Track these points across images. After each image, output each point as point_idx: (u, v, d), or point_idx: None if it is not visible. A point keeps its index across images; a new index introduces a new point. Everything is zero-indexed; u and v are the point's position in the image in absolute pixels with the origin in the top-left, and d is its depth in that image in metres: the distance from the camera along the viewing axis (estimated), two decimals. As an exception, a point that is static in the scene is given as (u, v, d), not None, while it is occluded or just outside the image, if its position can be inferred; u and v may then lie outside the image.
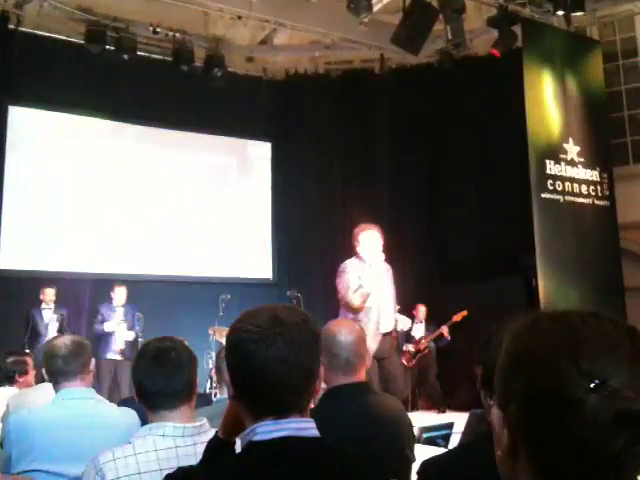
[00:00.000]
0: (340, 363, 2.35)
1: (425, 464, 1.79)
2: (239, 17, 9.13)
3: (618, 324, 0.83)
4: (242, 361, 1.38)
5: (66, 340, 2.72)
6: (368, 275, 5.59)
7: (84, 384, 2.67)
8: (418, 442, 3.30)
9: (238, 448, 1.61)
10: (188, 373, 2.07)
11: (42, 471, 2.32)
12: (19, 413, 2.69)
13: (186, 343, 2.20)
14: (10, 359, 4.02)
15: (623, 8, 9.51)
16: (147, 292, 9.15)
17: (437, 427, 5.26)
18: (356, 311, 5.48)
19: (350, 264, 5.72)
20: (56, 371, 2.65)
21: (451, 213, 10.22)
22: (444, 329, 9.22)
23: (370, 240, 5.73)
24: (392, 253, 10.04)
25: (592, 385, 0.76)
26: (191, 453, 1.96)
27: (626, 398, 0.75)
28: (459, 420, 4.86)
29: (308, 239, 10.52)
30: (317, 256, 10.32)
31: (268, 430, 1.35)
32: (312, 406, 1.48)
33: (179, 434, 1.98)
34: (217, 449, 1.57)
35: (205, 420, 2.08)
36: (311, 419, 1.41)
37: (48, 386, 3.12)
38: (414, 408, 8.78)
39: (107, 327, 8.22)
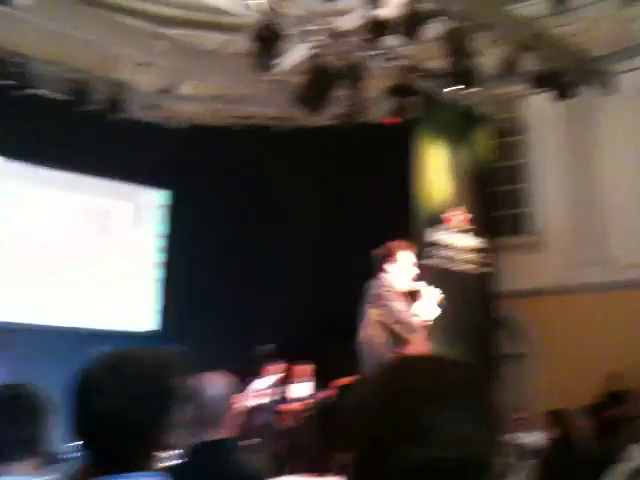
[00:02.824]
0: (201, 417, 2.33)
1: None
2: (143, 64, 9.12)
3: (463, 371, 0.87)
4: (77, 409, 1.35)
5: None
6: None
7: None
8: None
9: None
10: (33, 422, 1.96)
11: None
12: None
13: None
14: None
15: (513, 88, 10.12)
16: (12, 341, 8.59)
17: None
18: None
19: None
20: None
21: (336, 276, 10.29)
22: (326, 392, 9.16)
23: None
24: (280, 305, 10.12)
25: (410, 433, 0.79)
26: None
27: (440, 449, 0.78)
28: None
29: (197, 294, 10.33)
30: (203, 312, 10.12)
31: None
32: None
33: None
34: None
35: (55, 475, 1.99)
36: (156, 473, 1.38)
37: None
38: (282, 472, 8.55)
39: None
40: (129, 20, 9.11)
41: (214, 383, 2.47)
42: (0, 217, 9.49)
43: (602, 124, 9.89)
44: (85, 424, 1.34)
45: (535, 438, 7.00)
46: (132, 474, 1.34)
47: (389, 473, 0.79)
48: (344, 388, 9.09)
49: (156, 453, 1.41)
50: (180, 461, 2.17)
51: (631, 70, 9.15)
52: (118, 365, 1.36)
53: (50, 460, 2.06)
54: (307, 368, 9.31)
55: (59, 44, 8.91)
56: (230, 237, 10.59)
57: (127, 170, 10.20)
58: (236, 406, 2.53)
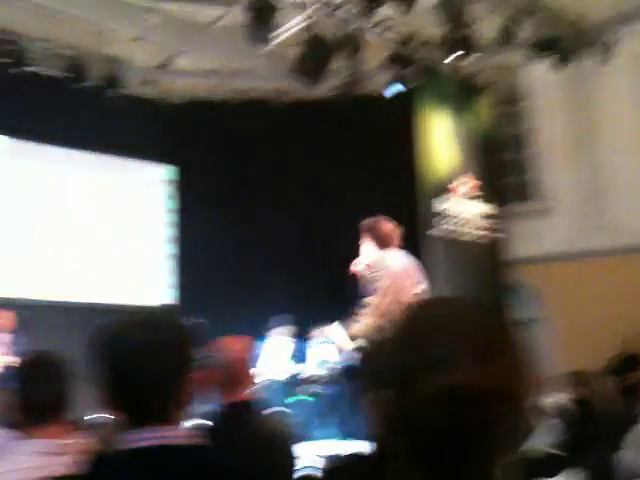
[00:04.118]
0: (222, 379, 2.33)
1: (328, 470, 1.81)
2: (136, 39, 9.02)
3: (478, 307, 0.88)
4: (105, 366, 1.36)
5: None
6: None
7: None
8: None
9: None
10: (59, 387, 2.01)
11: None
12: None
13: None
14: None
15: (510, 57, 10.07)
16: (35, 318, 8.62)
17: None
18: None
19: None
20: None
21: (337, 249, 10.31)
22: None
23: None
24: (291, 274, 10.17)
25: (431, 363, 0.80)
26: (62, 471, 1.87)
27: (461, 376, 0.79)
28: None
29: (207, 266, 10.37)
30: (217, 284, 10.20)
31: (131, 439, 1.33)
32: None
33: (49, 451, 1.90)
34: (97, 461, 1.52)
35: (79, 438, 2.00)
36: (180, 427, 1.38)
37: None
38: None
39: None
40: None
41: (230, 346, 2.46)
42: (7, 194, 9.43)
43: (603, 89, 9.87)
44: (111, 380, 1.34)
45: (556, 399, 7.01)
46: (162, 428, 1.34)
47: (415, 402, 0.81)
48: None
49: (183, 408, 1.41)
50: (208, 421, 2.17)
51: (630, 35, 9.10)
52: (139, 323, 1.37)
53: (76, 423, 2.09)
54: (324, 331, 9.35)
55: (53, 21, 8.80)
56: (237, 209, 10.60)
57: (128, 146, 10.18)
58: (255, 369, 2.53)
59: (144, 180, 10.81)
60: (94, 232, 10.01)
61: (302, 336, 9.36)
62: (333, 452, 5.90)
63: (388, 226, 5.18)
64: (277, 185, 10.74)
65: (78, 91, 9.32)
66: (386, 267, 4.85)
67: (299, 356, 9.31)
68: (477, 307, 0.88)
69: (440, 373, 0.79)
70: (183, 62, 10.35)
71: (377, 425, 0.90)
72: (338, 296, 9.85)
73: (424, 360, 0.80)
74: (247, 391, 2.43)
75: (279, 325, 9.29)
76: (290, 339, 9.37)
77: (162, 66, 10.24)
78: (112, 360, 1.34)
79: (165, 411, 1.36)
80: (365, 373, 1.91)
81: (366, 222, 5.26)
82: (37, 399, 1.94)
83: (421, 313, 0.88)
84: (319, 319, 9.18)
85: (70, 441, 1.95)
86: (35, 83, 9.19)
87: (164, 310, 1.48)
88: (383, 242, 5.05)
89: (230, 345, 2.44)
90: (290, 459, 2.44)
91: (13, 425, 2.00)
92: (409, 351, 0.82)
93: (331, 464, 1.83)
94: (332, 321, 9.25)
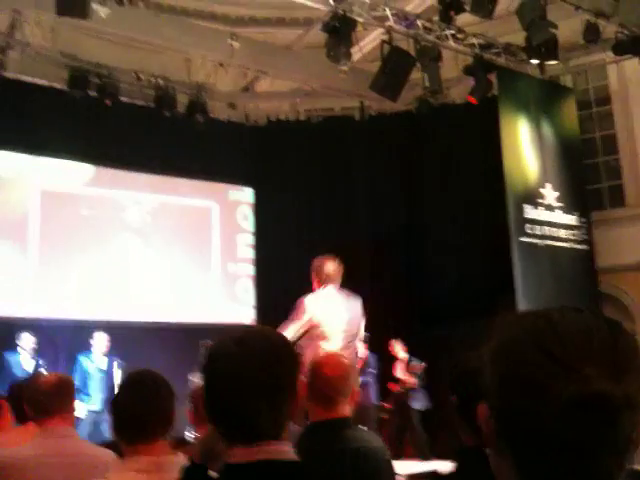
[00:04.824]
0: (320, 397, 2.33)
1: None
2: (221, 64, 9.27)
3: (599, 316, 0.85)
4: (208, 386, 1.39)
5: (52, 378, 2.71)
6: None
7: (65, 422, 2.64)
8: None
9: (213, 474, 1.60)
10: (165, 405, 2.06)
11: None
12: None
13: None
14: None
15: (595, 57, 9.77)
16: (127, 338, 9.00)
17: (420, 475, 5.22)
18: None
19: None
20: (38, 407, 2.63)
21: (430, 258, 10.28)
22: (406, 377, 9.11)
23: None
24: (372, 297, 10.20)
25: (561, 372, 0.78)
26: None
27: (594, 384, 0.77)
28: (444, 468, 4.79)
29: (288, 284, 10.49)
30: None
31: (242, 453, 1.34)
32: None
33: (154, 469, 1.95)
34: (192, 474, 1.56)
35: (181, 455, 2.05)
36: (288, 442, 1.40)
37: (22, 429, 3.07)
38: (399, 456, 8.57)
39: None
40: (203, 22, 9.30)
41: (330, 363, 2.48)
42: (99, 221, 9.85)
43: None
44: (216, 400, 1.37)
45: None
46: (266, 443, 1.36)
47: (542, 413, 0.78)
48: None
49: (288, 424, 1.43)
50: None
51: None
52: (245, 338, 1.38)
53: (178, 440, 2.14)
54: (400, 346, 9.35)
55: (141, 52, 9.17)
56: (317, 227, 10.71)
57: (212, 169, 10.42)
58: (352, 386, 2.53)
59: (228, 202, 11.04)
60: (179, 254, 10.29)
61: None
62: (416, 470, 5.83)
63: (329, 265, 5.19)
64: (359, 199, 10.77)
65: (165, 118, 9.68)
66: (310, 305, 4.86)
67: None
68: (596, 316, 0.85)
69: (571, 382, 0.77)
70: (265, 84, 10.58)
71: (484, 440, 0.87)
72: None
73: (552, 370, 0.79)
74: (344, 408, 2.43)
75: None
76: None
77: (245, 89, 10.48)
78: (221, 377, 1.36)
79: (274, 427, 1.38)
80: (467, 386, 1.88)
81: (314, 260, 5.30)
82: (146, 416, 1.99)
83: (539, 323, 0.85)
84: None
85: (174, 458, 2.01)
86: (123, 113, 9.60)
87: (266, 328, 1.50)
88: (322, 281, 5.09)
89: (328, 362, 2.45)
90: (392, 475, 2.43)
91: (119, 442, 2.07)
92: (533, 361, 0.80)
93: None
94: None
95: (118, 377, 8.12)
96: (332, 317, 4.72)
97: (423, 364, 9.09)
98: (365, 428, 7.41)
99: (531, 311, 0.89)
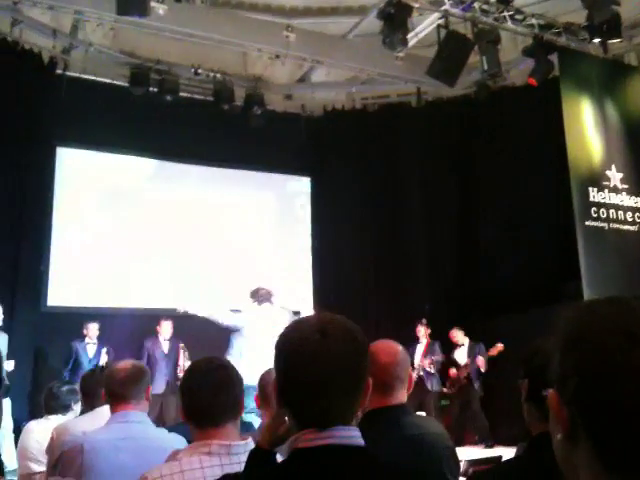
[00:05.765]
0: (378, 383, 2.33)
1: (477, 476, 1.78)
2: (277, 56, 9.32)
3: None
4: (288, 372, 1.40)
5: (128, 365, 2.80)
6: None
7: (139, 408, 2.73)
8: (465, 476, 3.21)
9: (279, 458, 1.63)
10: (235, 391, 2.09)
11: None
12: (74, 436, 2.78)
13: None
14: (64, 388, 4.10)
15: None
16: (191, 326, 9.19)
17: (485, 461, 5.16)
18: None
19: None
20: (114, 393, 2.74)
21: (486, 245, 10.14)
22: (480, 361, 9.05)
23: None
24: (429, 285, 10.18)
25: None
26: (237, 471, 1.97)
27: None
28: (507, 455, 4.77)
29: (346, 272, 10.55)
30: (356, 288, 10.36)
31: (313, 438, 1.36)
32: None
33: (224, 452, 1.99)
34: (259, 458, 1.58)
35: (251, 439, 2.08)
36: (356, 428, 1.42)
37: (93, 415, 3.19)
38: (459, 443, 8.49)
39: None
40: (258, 15, 9.36)
41: (386, 349, 2.47)
42: (161, 215, 10.08)
43: None
44: (295, 384, 1.38)
45: None
46: (336, 428, 1.37)
47: (628, 398, 0.77)
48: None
49: (356, 411, 1.44)
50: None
51: None
52: (322, 329, 1.39)
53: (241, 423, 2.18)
54: (459, 333, 9.29)
55: (199, 48, 9.30)
56: (375, 216, 10.73)
57: (270, 161, 10.52)
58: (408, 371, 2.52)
59: (286, 192, 11.15)
60: (238, 245, 10.45)
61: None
62: (475, 457, 5.77)
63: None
64: (416, 186, 10.71)
65: (223, 112, 9.80)
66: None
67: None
68: None
69: None
70: (321, 74, 10.59)
71: (550, 428, 0.86)
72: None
73: (637, 354, 0.77)
74: (402, 394, 2.42)
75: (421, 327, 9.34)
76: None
77: (301, 80, 10.51)
78: (303, 367, 1.36)
79: (347, 414, 1.40)
80: (540, 371, 1.85)
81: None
82: (217, 403, 2.03)
83: (618, 308, 0.84)
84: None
85: (244, 442, 2.04)
86: (182, 108, 9.75)
87: (344, 318, 1.49)
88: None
89: (382, 348, 2.45)
90: (455, 461, 2.42)
91: (189, 426, 2.12)
92: (616, 346, 0.78)
93: (475, 470, 1.80)
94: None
95: (180, 361, 8.45)
96: None
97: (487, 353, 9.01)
98: (424, 414, 7.47)
99: (604, 298, 0.88)
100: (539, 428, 1.84)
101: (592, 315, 0.85)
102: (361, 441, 1.39)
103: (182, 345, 8.56)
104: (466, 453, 6.53)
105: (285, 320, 6.35)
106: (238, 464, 1.98)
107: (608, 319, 0.82)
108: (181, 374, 8.17)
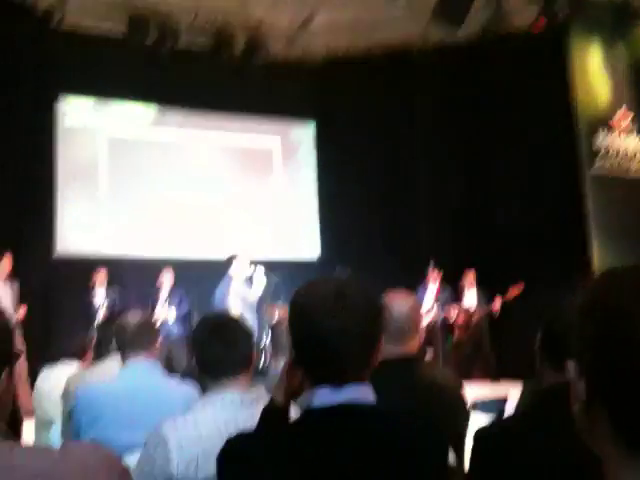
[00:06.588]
0: (391, 333, 2.35)
1: (480, 432, 1.80)
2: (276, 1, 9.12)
3: None
4: (305, 330, 1.42)
5: (137, 316, 2.86)
6: None
7: (150, 358, 2.79)
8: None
9: (293, 413, 1.65)
10: (247, 343, 2.14)
11: (110, 438, 2.41)
12: (88, 385, 2.84)
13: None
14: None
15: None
16: (193, 275, 9.23)
17: (490, 403, 5.25)
18: None
19: None
20: (125, 344, 2.79)
21: (495, 188, 10.05)
22: (497, 303, 9.03)
23: None
24: (435, 222, 10.15)
25: None
26: (250, 421, 1.99)
27: None
28: (513, 390, 4.84)
29: (352, 218, 10.55)
30: (362, 235, 10.38)
31: (327, 396, 1.38)
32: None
33: (238, 402, 2.03)
34: (273, 415, 1.60)
35: (263, 389, 2.12)
36: (369, 385, 1.43)
37: (106, 364, 3.23)
38: (468, 376, 8.50)
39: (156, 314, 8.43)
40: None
41: (400, 300, 2.49)
42: (165, 161, 10.10)
43: None
44: (312, 342, 1.40)
45: None
46: (350, 386, 1.39)
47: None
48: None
49: (370, 368, 1.46)
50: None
51: None
52: (339, 289, 1.41)
53: (255, 375, 2.21)
54: (472, 275, 9.31)
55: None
56: (380, 160, 10.69)
57: (273, 106, 10.45)
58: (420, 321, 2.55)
59: (290, 138, 11.12)
60: (244, 191, 10.50)
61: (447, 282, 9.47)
62: (485, 395, 5.85)
63: None
64: (422, 133, 10.61)
65: (224, 59, 9.67)
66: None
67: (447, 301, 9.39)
68: None
69: None
70: (323, 19, 10.36)
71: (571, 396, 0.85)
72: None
73: None
74: (414, 343, 2.45)
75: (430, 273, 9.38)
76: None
77: (302, 26, 10.30)
78: (319, 329, 1.38)
79: (362, 372, 1.43)
80: (556, 324, 1.86)
81: None
82: (228, 359, 2.08)
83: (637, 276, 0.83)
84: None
85: (257, 391, 2.07)
86: (183, 54, 9.65)
87: (359, 281, 1.51)
88: None
89: (395, 299, 2.46)
90: (465, 410, 2.45)
91: (203, 377, 2.15)
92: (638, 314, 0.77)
93: (481, 429, 1.81)
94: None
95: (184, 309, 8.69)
96: None
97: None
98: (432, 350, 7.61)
99: (629, 265, 0.86)
100: (549, 379, 1.85)
101: (612, 281, 0.84)
102: (372, 398, 1.42)
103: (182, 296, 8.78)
104: (473, 391, 6.61)
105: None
106: (252, 415, 2.01)
107: (629, 286, 0.81)
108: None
